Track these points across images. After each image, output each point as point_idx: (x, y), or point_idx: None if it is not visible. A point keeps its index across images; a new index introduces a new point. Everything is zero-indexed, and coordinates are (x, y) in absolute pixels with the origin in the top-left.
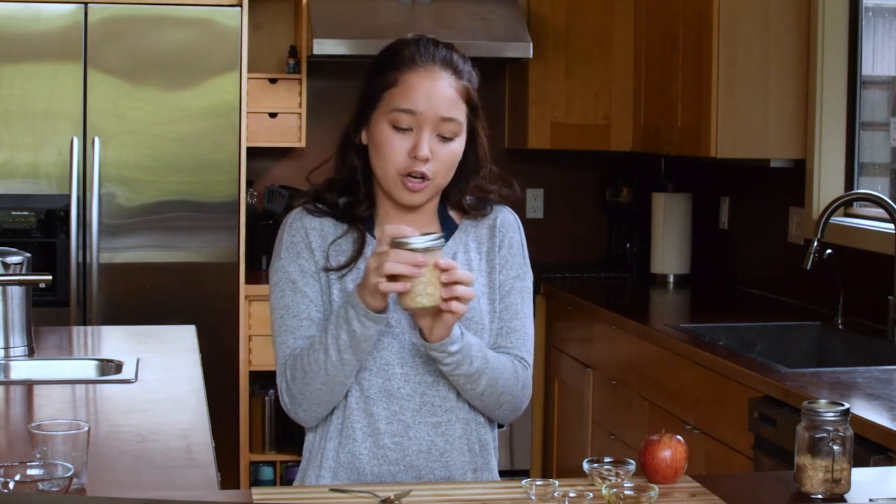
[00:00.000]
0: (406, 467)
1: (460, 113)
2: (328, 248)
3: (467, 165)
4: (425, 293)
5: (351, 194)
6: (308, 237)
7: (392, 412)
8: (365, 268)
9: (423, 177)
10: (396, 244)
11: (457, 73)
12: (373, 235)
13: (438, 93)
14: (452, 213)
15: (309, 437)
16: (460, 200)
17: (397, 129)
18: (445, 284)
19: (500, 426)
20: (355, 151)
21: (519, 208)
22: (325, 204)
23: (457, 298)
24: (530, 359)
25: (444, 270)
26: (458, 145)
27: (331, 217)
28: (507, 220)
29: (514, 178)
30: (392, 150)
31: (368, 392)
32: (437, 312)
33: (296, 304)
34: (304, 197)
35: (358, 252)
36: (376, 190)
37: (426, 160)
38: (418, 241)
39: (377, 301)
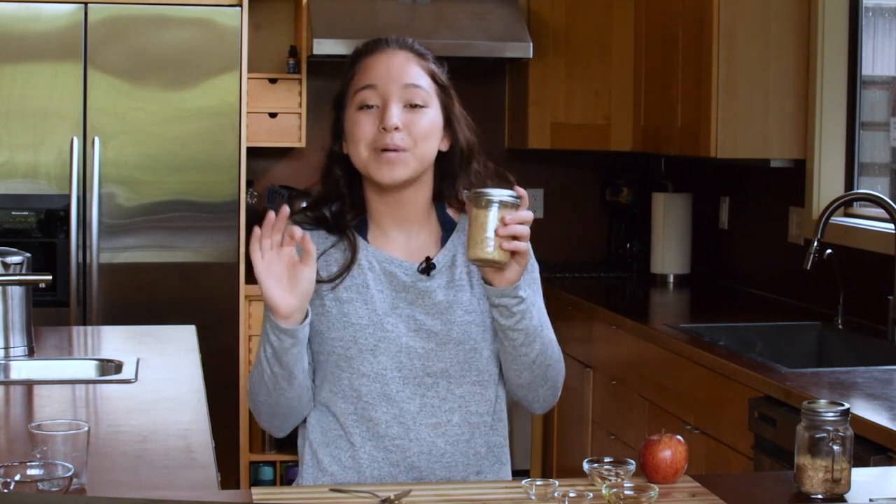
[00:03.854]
0: (407, 468)
1: (426, 83)
2: (318, 260)
3: (454, 155)
4: (497, 247)
5: (339, 203)
6: None
7: (392, 415)
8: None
9: (397, 149)
10: (476, 194)
11: (415, 52)
12: (366, 240)
13: (398, 65)
14: (451, 212)
15: (307, 443)
16: (457, 195)
17: (364, 108)
18: (503, 237)
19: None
20: (338, 163)
21: None
22: (315, 218)
23: (515, 249)
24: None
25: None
26: (432, 114)
27: (323, 230)
28: None
29: (511, 174)
30: (360, 129)
31: (367, 398)
32: (506, 253)
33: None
34: (297, 213)
35: (350, 259)
36: (367, 195)
37: (395, 128)
38: (497, 193)
39: (280, 307)
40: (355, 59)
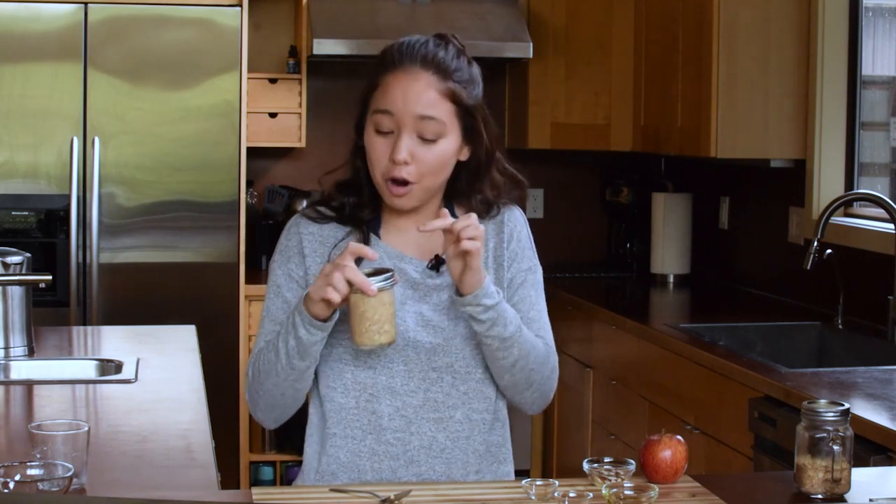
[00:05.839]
0: (406, 462)
1: (443, 113)
2: (331, 252)
3: (472, 166)
4: (381, 331)
5: (357, 196)
6: (302, 243)
7: (395, 408)
8: (319, 273)
9: (405, 182)
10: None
11: (440, 72)
12: (378, 235)
13: (415, 93)
14: (459, 212)
15: (309, 434)
16: (470, 200)
17: (380, 132)
18: (456, 239)
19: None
20: (361, 157)
21: (521, 205)
22: (330, 208)
23: (471, 238)
24: (553, 347)
25: (447, 231)
26: (444, 147)
27: (335, 222)
28: (513, 215)
29: (523, 178)
30: (375, 154)
31: (372, 390)
32: (459, 257)
33: (275, 309)
34: (310, 200)
35: None
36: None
37: (404, 163)
38: (371, 281)
39: (320, 310)
40: (381, 68)
